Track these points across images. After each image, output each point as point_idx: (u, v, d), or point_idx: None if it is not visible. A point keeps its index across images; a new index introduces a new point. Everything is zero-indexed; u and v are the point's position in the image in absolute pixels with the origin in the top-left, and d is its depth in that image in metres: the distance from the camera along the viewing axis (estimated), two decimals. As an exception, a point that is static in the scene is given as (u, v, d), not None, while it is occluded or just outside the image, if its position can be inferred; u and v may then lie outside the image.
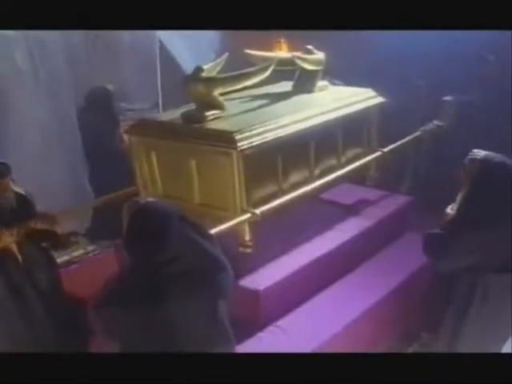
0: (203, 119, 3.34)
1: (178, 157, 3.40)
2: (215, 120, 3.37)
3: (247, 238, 3.31)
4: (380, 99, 4.04)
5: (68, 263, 4.30)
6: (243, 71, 3.40)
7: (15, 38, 4.42)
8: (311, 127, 3.53)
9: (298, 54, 3.83)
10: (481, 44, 4.55)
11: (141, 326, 2.20)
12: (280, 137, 3.31)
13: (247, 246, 3.32)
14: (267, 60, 3.72)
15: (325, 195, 3.92)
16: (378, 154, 4.17)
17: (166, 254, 2.20)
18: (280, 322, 3.11)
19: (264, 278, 3.14)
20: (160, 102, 5.86)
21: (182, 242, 2.23)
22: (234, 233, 3.20)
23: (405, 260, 3.70)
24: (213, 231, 2.91)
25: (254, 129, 3.24)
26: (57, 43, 4.73)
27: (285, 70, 3.88)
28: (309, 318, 3.17)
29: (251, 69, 3.45)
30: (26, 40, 4.50)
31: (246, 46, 3.92)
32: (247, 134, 3.18)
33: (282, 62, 3.81)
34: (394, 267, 3.64)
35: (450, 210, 2.95)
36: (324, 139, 3.72)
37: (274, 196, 3.45)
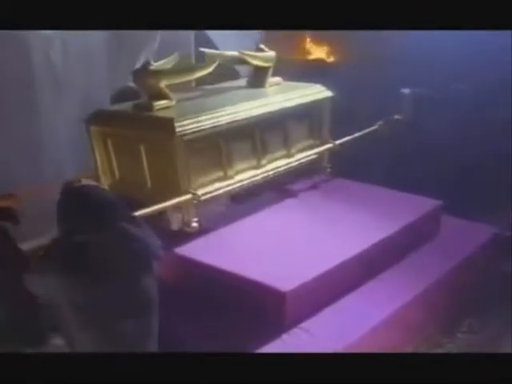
0: (152, 109, 3.65)
1: (130, 144, 3.70)
2: (163, 110, 3.68)
3: (190, 218, 3.61)
4: (328, 93, 4.31)
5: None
6: (188, 65, 3.71)
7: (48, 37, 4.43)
8: (254, 117, 3.82)
9: (247, 51, 4.13)
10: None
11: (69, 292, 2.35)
12: (220, 124, 3.61)
13: (191, 226, 3.62)
14: (222, 57, 4.06)
15: (354, 199, 3.99)
16: (329, 145, 4.45)
17: (85, 236, 2.35)
18: (305, 324, 3.05)
19: (290, 279, 3.05)
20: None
21: (105, 227, 2.39)
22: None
23: (432, 265, 3.65)
24: (156, 208, 3.27)
25: (195, 117, 3.54)
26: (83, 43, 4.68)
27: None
28: (334, 321, 3.11)
29: (196, 64, 3.76)
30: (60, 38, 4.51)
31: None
32: (187, 122, 3.48)
33: (233, 60, 4.13)
34: (420, 271, 3.57)
35: None
36: (271, 129, 4.00)
37: (218, 181, 3.75)
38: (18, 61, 4.15)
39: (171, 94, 3.73)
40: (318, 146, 4.41)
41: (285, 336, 2.95)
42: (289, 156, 4.19)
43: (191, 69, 3.74)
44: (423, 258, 3.69)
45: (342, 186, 4.27)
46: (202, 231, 3.58)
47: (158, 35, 5.12)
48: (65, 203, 2.46)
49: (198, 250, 3.30)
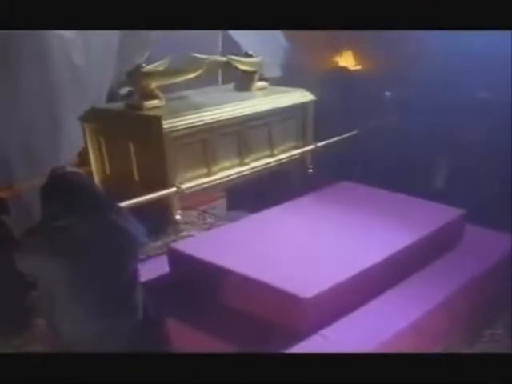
0: (142, 108, 3.92)
1: (121, 140, 3.98)
2: (153, 109, 3.95)
3: (175, 210, 3.88)
4: (311, 97, 4.59)
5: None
6: (177, 68, 3.99)
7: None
8: (239, 117, 4.10)
9: (234, 57, 4.40)
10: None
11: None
12: (205, 123, 3.88)
13: (175, 218, 3.88)
14: (210, 61, 4.33)
15: (375, 206, 3.96)
16: (311, 147, 4.71)
17: (62, 222, 2.42)
18: (323, 331, 2.99)
19: (310, 286, 2.98)
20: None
21: (87, 213, 2.47)
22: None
23: (454, 274, 3.57)
24: (141, 200, 3.53)
25: (182, 115, 3.82)
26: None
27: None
28: (353, 328, 3.04)
29: (184, 67, 4.04)
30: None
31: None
32: (174, 119, 3.76)
33: (219, 64, 4.41)
34: (442, 280, 3.50)
35: None
36: (255, 130, 4.27)
37: (203, 176, 4.01)
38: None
39: (161, 95, 4.00)
40: (300, 147, 4.68)
41: (303, 343, 2.89)
42: (272, 156, 4.45)
43: (180, 71, 4.01)
44: (445, 267, 3.63)
45: (364, 193, 4.22)
46: (221, 235, 3.61)
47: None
48: (48, 187, 2.54)
49: (216, 254, 3.25)
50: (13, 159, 4.11)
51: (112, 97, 4.54)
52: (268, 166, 4.39)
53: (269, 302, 2.95)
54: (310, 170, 4.81)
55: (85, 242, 2.46)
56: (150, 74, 3.91)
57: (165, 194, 3.76)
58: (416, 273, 3.50)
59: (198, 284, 3.22)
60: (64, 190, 2.52)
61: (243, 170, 4.22)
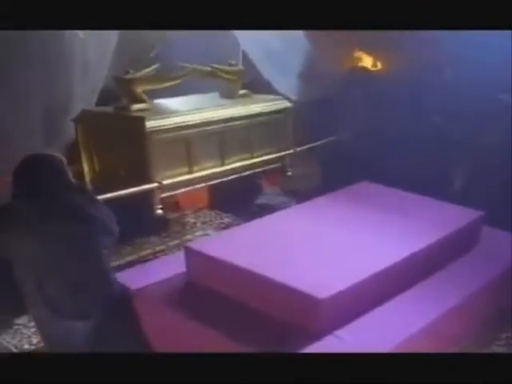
0: (130, 110, 4.27)
1: (109, 139, 4.33)
2: (140, 112, 4.29)
3: (156, 205, 4.21)
4: (288, 104, 4.95)
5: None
6: (161, 76, 4.36)
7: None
8: (220, 120, 4.47)
9: (217, 66, 4.76)
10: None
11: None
12: (187, 125, 4.24)
13: (155, 213, 4.22)
14: (195, 70, 4.69)
15: (392, 206, 3.95)
16: (290, 151, 5.04)
17: (30, 202, 2.51)
18: (338, 332, 2.96)
19: (326, 287, 2.96)
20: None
21: (52, 196, 2.55)
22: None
23: (471, 276, 3.54)
24: (123, 193, 3.85)
25: (164, 117, 4.18)
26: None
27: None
28: (369, 330, 3.01)
29: (169, 74, 4.41)
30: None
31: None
32: (157, 120, 4.11)
33: (203, 72, 4.76)
34: (459, 283, 3.47)
35: None
36: (235, 134, 4.61)
37: (183, 175, 4.35)
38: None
39: (147, 99, 4.36)
40: (279, 151, 5.01)
41: (318, 343, 2.87)
42: (251, 159, 4.79)
43: (163, 79, 4.38)
44: (462, 269, 3.60)
45: (382, 193, 4.22)
46: (237, 234, 3.65)
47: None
48: (22, 166, 2.60)
49: (232, 253, 3.23)
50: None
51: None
52: (246, 167, 4.73)
53: (285, 302, 2.95)
54: (289, 174, 5.13)
55: (52, 224, 2.51)
56: (136, 80, 4.27)
57: (146, 189, 4.10)
58: (433, 274, 3.48)
59: (212, 283, 3.25)
60: (36, 169, 2.58)
61: (222, 170, 4.55)
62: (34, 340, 3.55)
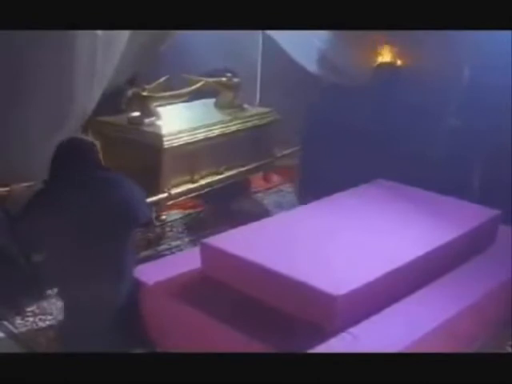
0: (143, 123, 4.72)
1: (121, 150, 4.77)
2: (153, 125, 4.75)
3: (161, 213, 4.74)
4: (276, 116, 5.52)
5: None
6: (172, 93, 4.83)
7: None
8: (217, 136, 5.01)
9: (215, 79, 5.30)
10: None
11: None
12: (193, 141, 4.78)
13: (161, 220, 4.76)
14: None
15: (408, 204, 3.95)
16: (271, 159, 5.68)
17: (64, 185, 2.67)
18: (353, 329, 2.95)
19: (343, 283, 2.95)
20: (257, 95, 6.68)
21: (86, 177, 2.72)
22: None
23: (486, 275, 3.53)
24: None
25: (177, 133, 4.69)
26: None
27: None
28: (383, 327, 3.00)
29: (177, 92, 4.91)
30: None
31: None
32: (172, 137, 4.62)
33: (211, 86, 5.27)
34: (474, 282, 3.46)
35: None
36: (230, 143, 5.15)
37: (187, 183, 4.89)
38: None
39: (160, 113, 4.83)
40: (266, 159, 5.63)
41: (332, 340, 2.86)
42: (242, 166, 5.36)
43: (177, 95, 4.90)
44: (478, 269, 3.59)
45: (399, 191, 4.21)
46: (253, 231, 3.63)
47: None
48: (62, 147, 2.79)
49: (248, 250, 3.23)
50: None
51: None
52: (240, 174, 5.36)
53: (300, 299, 2.96)
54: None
55: (84, 207, 2.66)
56: (148, 98, 4.72)
57: (157, 199, 4.62)
58: (448, 273, 3.47)
59: (227, 279, 3.26)
60: (77, 152, 2.76)
61: (219, 178, 5.14)
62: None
